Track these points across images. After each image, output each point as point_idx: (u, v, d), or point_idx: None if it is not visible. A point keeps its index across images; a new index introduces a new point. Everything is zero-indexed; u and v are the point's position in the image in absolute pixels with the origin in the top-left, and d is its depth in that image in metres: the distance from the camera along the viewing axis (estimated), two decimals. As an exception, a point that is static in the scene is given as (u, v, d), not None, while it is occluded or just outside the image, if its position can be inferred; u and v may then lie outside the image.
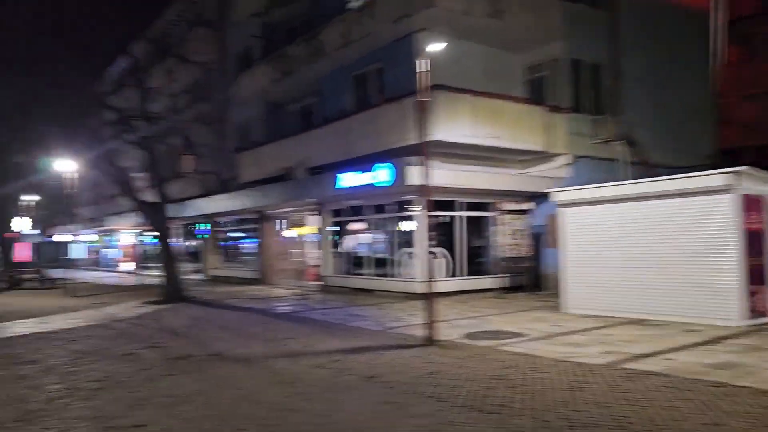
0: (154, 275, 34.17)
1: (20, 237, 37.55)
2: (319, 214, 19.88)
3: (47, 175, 20.39)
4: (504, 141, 15.57)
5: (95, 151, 17.53)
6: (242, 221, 25.15)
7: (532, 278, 16.75)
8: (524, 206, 16.82)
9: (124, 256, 40.69)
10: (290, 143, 20.30)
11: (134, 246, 39.57)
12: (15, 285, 24.36)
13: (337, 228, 19.69)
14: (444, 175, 15.25)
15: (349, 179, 16.14)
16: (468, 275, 16.78)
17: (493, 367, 7.44)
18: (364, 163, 16.02)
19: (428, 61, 9.66)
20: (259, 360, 8.27)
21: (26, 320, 13.45)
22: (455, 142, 14.64)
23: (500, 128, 15.45)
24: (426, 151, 9.39)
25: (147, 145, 17.00)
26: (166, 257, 16.99)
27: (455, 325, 11.03)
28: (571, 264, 12.42)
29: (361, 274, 18.28)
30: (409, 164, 14.22)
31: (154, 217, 16.98)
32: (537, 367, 7.35)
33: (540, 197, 17.09)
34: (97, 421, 5.48)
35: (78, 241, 49.22)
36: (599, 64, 17.68)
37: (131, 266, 38.99)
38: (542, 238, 17.12)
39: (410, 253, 16.19)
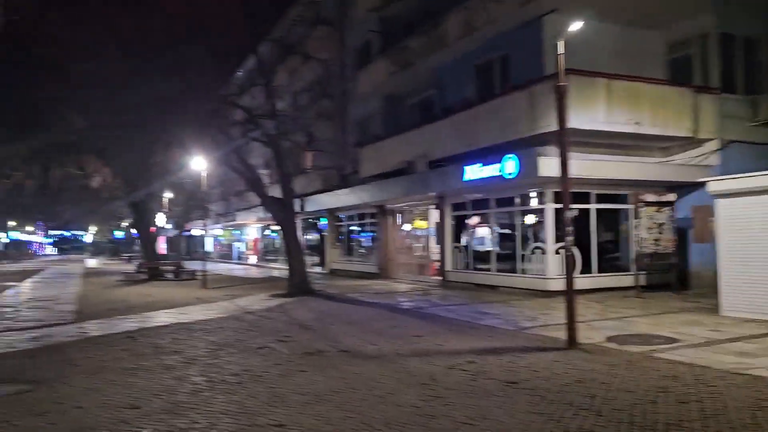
0: (277, 268, 35.59)
1: (158, 232, 40.52)
2: (440, 208, 19.49)
3: (183, 173, 21.54)
4: (643, 127, 14.32)
5: (225, 149, 18.26)
6: (362, 215, 25.32)
7: (676, 276, 15.33)
8: (666, 197, 15.39)
9: (250, 249, 42.71)
10: (410, 137, 20.05)
11: (258, 240, 41.40)
12: (154, 277, 26.12)
13: (459, 222, 19.19)
14: (576, 165, 14.15)
15: (474, 172, 15.59)
16: (600, 272, 15.68)
17: (651, 377, 6.65)
18: (487, 154, 15.42)
19: (563, 42, 8.91)
20: (390, 358, 8.00)
21: (167, 310, 14.19)
22: (589, 130, 13.63)
23: (639, 113, 14.23)
24: (565, 139, 8.67)
25: (273, 142, 17.42)
26: (291, 251, 17.32)
27: (596, 326, 10.21)
28: (730, 261, 11.10)
29: (484, 270, 17.68)
30: (541, 155, 13.45)
31: (280, 212, 17.37)
32: (704, 380, 6.48)
33: (684, 187, 15.64)
34: (239, 417, 5.41)
35: (209, 236, 52.37)
36: (754, 38, 15.82)
37: (255, 259, 40.85)
38: (688, 232, 15.67)
39: (540, 248, 15.37)
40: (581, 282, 15.12)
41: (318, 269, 28.54)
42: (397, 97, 23.16)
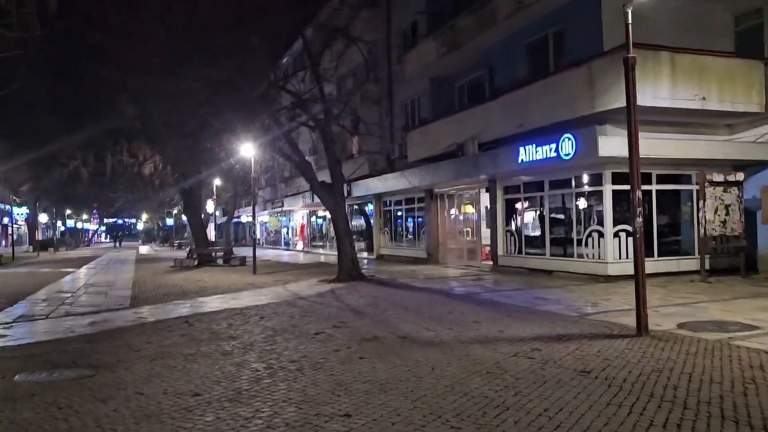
0: (324, 253, 35.73)
1: (208, 218, 41.17)
2: (491, 192, 19.04)
3: (232, 160, 21.64)
4: (710, 103, 13.58)
5: (274, 134, 18.21)
6: (410, 200, 25.04)
7: (744, 259, 14.55)
8: (733, 177, 14.59)
9: (297, 235, 43.01)
10: (459, 119, 19.64)
11: (305, 226, 41.61)
12: (205, 263, 26.49)
13: (511, 205, 18.72)
14: (637, 144, 13.70)
15: (528, 153, 15.10)
16: (661, 256, 15.01)
17: (735, 367, 6.20)
18: (539, 135, 14.91)
19: (630, 11, 8.36)
20: (452, 345, 7.73)
21: (220, 296, 14.27)
22: (652, 107, 12.95)
23: (705, 88, 13.49)
24: (635, 114, 8.16)
25: (321, 126, 17.25)
26: (341, 237, 17.19)
27: (663, 313, 9.72)
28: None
29: (538, 254, 17.19)
30: (601, 134, 12.88)
31: (329, 197, 17.23)
32: (796, 370, 6.00)
33: (752, 166, 14.82)
34: (303, 407, 5.24)
35: (256, 222, 52.99)
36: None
37: (302, 245, 41.11)
38: (757, 214, 14.85)
39: (597, 232, 14.81)
40: (642, 266, 14.58)
41: (365, 255, 28.46)
42: (445, 79, 22.68)
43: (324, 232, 38.24)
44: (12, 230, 42.64)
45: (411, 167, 22.36)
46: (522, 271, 17.37)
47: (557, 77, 15.07)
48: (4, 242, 56.36)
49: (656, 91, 13.02)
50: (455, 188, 21.63)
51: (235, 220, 52.04)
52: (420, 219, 24.59)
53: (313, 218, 40.10)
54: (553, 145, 14.21)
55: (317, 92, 17.44)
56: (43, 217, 57.25)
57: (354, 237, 31.32)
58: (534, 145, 14.92)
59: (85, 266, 29.05)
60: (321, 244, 38.63)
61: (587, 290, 13.00)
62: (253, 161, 21.26)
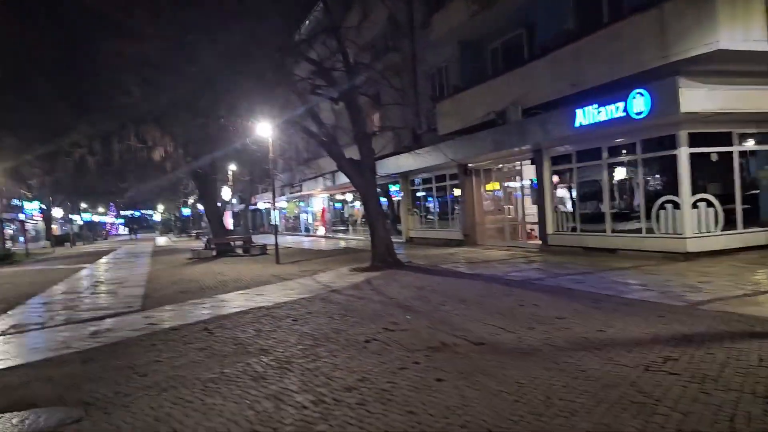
0: (347, 238, 34.03)
1: (224, 206, 39.57)
2: (537, 163, 17.09)
3: (247, 141, 19.87)
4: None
5: (294, 109, 16.40)
6: (441, 177, 23.13)
7: None
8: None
9: (317, 220, 41.31)
10: (497, 84, 17.63)
11: (325, 210, 39.89)
12: (223, 253, 24.89)
13: (561, 177, 16.77)
14: (722, 97, 11.68)
15: (588, 115, 13.13)
16: (747, 227, 13.02)
17: None
18: (598, 94, 12.95)
19: None
20: (549, 354, 5.92)
21: (242, 291, 12.56)
22: (742, 51, 10.90)
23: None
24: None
25: (347, 97, 15.39)
26: (374, 220, 15.38)
27: (795, 297, 7.79)
28: None
29: (596, 231, 15.26)
30: (686, 86, 10.88)
31: (358, 176, 15.41)
32: None
33: None
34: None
35: (275, 208, 51.37)
36: None
37: (323, 230, 39.43)
38: None
39: (671, 203, 12.84)
40: (724, 240, 12.63)
41: (394, 238, 26.61)
42: (476, 42, 20.59)
43: (347, 216, 36.49)
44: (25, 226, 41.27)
45: (441, 141, 20.45)
46: (577, 251, 15.47)
47: (618, 26, 12.98)
48: (22, 238, 55.51)
49: (747, 32, 10.94)
50: (494, 161, 19.69)
51: (252, 207, 50.45)
52: (453, 197, 22.70)
53: (332, 202, 38.40)
54: (621, 104, 12.23)
55: (340, 59, 15.50)
56: (57, 212, 56.13)
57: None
58: (596, 105, 12.94)
59: (98, 261, 27.59)
60: (343, 228, 36.94)
61: (670, 271, 11.10)
62: (270, 141, 19.42)
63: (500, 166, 19.83)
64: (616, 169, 14.79)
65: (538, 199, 17.21)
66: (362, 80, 16.17)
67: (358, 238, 32.17)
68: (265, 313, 9.50)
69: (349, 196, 35.99)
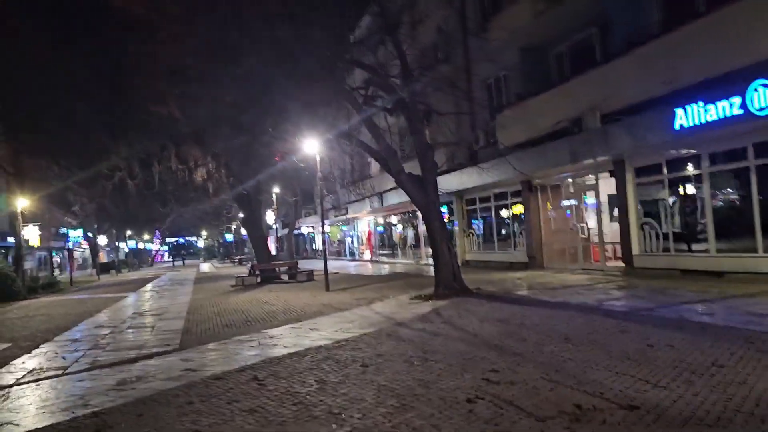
0: (396, 262, 32.31)
1: (268, 231, 38.42)
2: (617, 175, 15.17)
3: (294, 158, 18.49)
4: None
5: (344, 123, 14.96)
6: (501, 195, 21.33)
7: None
8: None
9: (363, 244, 39.77)
10: (570, 88, 15.87)
11: (371, 234, 38.36)
12: (268, 279, 23.51)
13: (648, 191, 14.80)
14: None
15: (692, 114, 11.23)
16: None
17: None
18: (697, 91, 11.08)
19: None
20: (747, 426, 4.08)
21: (293, 325, 10.95)
22: None
23: None
24: None
25: (406, 107, 13.82)
26: (437, 241, 13.65)
27: None
28: None
29: (696, 252, 13.21)
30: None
31: (420, 192, 13.76)
32: None
33: None
34: None
35: (324, 231, 50.16)
36: None
37: (369, 255, 37.84)
38: None
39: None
40: None
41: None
42: (539, 47, 18.90)
43: (394, 240, 34.84)
44: (67, 255, 40.99)
45: (501, 155, 18.70)
46: (673, 274, 13.42)
47: (727, 11, 11.12)
48: (69, 267, 55.63)
49: None
50: (564, 175, 17.80)
51: (296, 231, 49.32)
52: (515, 217, 20.83)
53: (378, 225, 36.87)
54: (737, 99, 10.32)
55: (396, 63, 13.98)
56: (102, 239, 56.16)
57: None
58: (701, 103, 11.02)
59: (140, 289, 26.54)
60: (390, 252, 35.30)
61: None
62: (318, 158, 17.98)
63: (570, 180, 17.92)
64: (720, 179, 12.76)
65: (621, 215, 15.24)
66: (420, 88, 14.55)
67: (406, 262, 30.49)
68: (326, 355, 7.84)
69: (394, 219, 34.43)
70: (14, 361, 9.08)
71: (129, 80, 15.97)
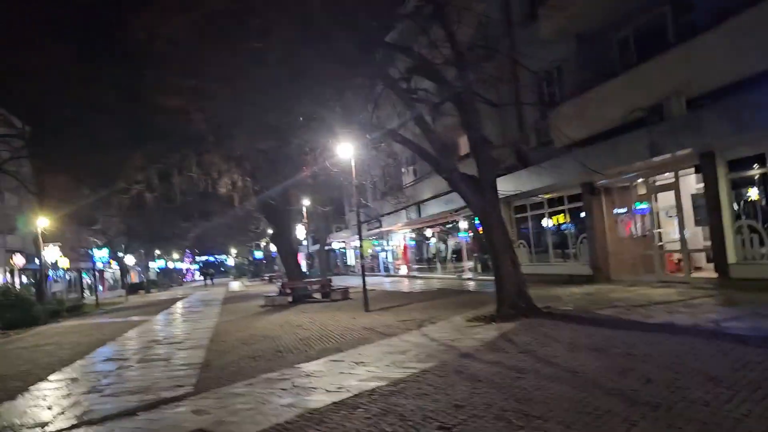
0: (434, 278, 30.21)
1: (298, 247, 36.66)
2: (705, 171, 12.93)
3: (327, 163, 16.66)
4: None
5: (384, 120, 13.09)
6: (557, 201, 19.16)
7: None
8: None
9: (399, 259, 37.74)
10: (643, 73, 13.76)
11: (407, 248, 36.34)
12: (300, 298, 21.64)
13: (745, 187, 12.55)
14: None
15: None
16: None
17: None
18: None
19: None
20: None
21: (333, 357, 8.97)
22: None
23: None
24: None
25: (459, 98, 11.86)
26: (499, 252, 11.58)
27: None
28: None
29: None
30: None
31: (476, 194, 11.73)
32: None
33: None
34: None
35: (360, 246, 48.27)
36: None
37: (405, 270, 35.80)
38: None
39: None
40: None
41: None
42: (598, 33, 16.74)
43: (432, 254, 32.76)
44: (96, 276, 39.92)
45: (556, 155, 16.66)
46: (783, 286, 11.12)
47: None
48: (96, 288, 54.79)
49: None
50: (630, 176, 15.59)
51: (327, 247, 47.53)
52: (574, 224, 18.65)
53: (412, 239, 34.90)
54: None
55: (453, 53, 11.97)
56: (130, 259, 55.21)
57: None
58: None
59: (165, 311, 24.93)
60: (426, 266, 33.22)
61: None
62: (353, 163, 16.12)
63: (641, 179, 15.69)
64: None
65: (711, 218, 12.96)
66: (473, 76, 12.58)
67: (446, 277, 28.36)
68: (384, 406, 5.83)
69: (429, 231, 32.43)
70: (-10, 411, 7.29)
71: (146, 80, 14.35)
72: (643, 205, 16.10)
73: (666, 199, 15.30)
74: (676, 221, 14.80)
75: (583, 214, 17.70)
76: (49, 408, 7.18)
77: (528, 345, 8.49)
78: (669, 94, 12.58)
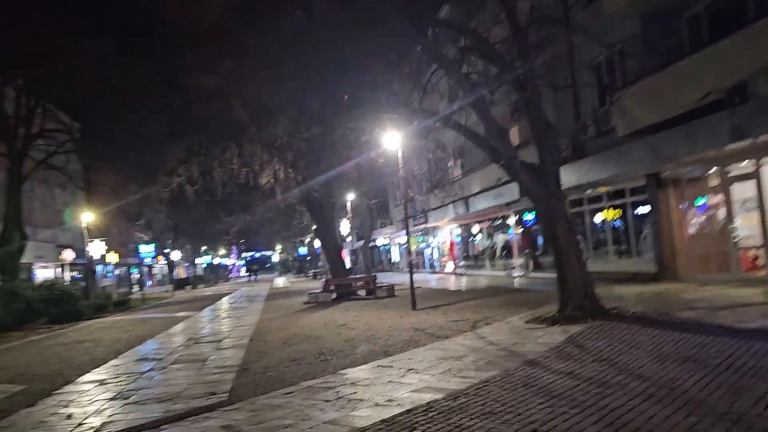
0: (483, 275, 29.06)
1: (342, 243, 36.01)
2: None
3: (372, 155, 15.81)
4: None
5: (427, 117, 12.12)
6: (617, 194, 17.84)
7: None
8: None
9: (445, 255, 36.67)
10: (726, 49, 12.31)
11: (454, 243, 35.23)
12: (344, 295, 20.91)
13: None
14: None
15: None
16: None
17: None
18: None
19: None
20: None
21: (381, 362, 8.08)
22: None
23: None
24: None
25: (520, 82, 10.81)
26: (563, 248, 10.51)
27: None
28: None
29: None
30: None
31: (538, 184, 10.68)
32: None
33: None
34: None
35: (395, 244, 47.40)
36: None
37: (452, 266, 34.71)
38: None
39: None
40: None
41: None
42: (666, 12, 15.37)
43: (481, 249, 31.59)
44: (144, 271, 40.23)
45: (618, 144, 15.40)
46: None
47: None
48: (144, 283, 55.62)
49: None
50: (708, 163, 14.21)
51: (371, 243, 46.79)
52: (637, 218, 17.31)
53: (459, 234, 33.76)
54: None
55: (515, 34, 10.92)
56: (176, 255, 55.71)
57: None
58: None
59: (209, 307, 24.60)
60: (473, 263, 32.07)
61: None
62: (400, 154, 15.22)
63: (714, 169, 14.30)
64: None
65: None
66: (535, 57, 11.47)
67: (495, 274, 27.19)
68: (443, 426, 4.91)
69: (476, 227, 31.27)
70: (8, 418, 6.68)
71: (187, 65, 13.79)
72: (717, 198, 14.69)
73: (743, 190, 13.88)
74: (756, 214, 13.39)
75: (647, 208, 16.38)
76: (68, 417, 6.50)
77: (602, 352, 7.45)
78: (756, 72, 11.22)
